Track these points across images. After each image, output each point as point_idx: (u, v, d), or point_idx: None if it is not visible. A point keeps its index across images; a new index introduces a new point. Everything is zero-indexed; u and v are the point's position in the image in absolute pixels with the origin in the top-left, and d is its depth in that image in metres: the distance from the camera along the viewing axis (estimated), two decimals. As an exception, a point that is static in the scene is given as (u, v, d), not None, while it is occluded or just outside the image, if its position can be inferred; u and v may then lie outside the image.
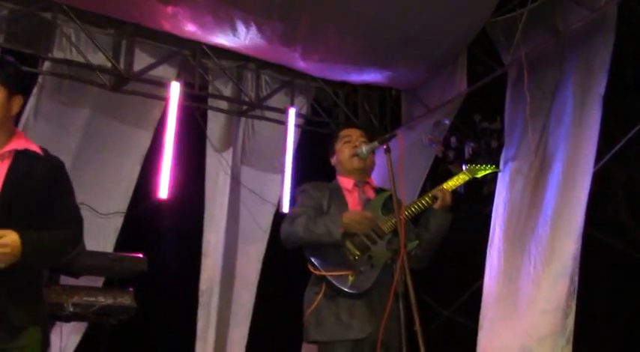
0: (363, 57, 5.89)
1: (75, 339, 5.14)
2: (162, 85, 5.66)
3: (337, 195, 3.52)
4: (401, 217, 2.98)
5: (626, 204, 7.21)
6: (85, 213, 3.24)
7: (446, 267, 4.62)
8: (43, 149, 2.73)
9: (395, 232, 3.19)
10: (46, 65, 5.24)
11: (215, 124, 6.19)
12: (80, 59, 5.30)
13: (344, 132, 3.72)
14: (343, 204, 3.46)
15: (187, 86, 5.82)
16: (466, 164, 3.73)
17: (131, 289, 4.42)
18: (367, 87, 6.81)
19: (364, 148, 3.40)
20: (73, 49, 5.31)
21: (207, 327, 5.82)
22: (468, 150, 6.50)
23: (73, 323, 4.68)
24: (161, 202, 5.53)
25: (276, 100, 6.42)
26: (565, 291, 4.54)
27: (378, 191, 3.58)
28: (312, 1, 5.12)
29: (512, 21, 5.44)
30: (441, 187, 3.46)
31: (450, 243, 3.56)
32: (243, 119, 6.38)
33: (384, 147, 3.09)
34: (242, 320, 6.16)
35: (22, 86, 2.69)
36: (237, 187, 6.23)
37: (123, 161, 5.71)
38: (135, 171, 5.75)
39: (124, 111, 5.71)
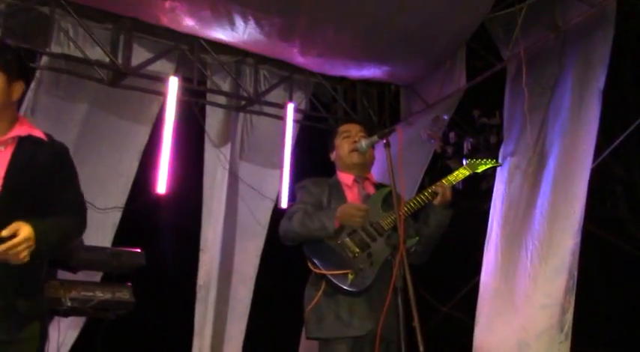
0: (362, 52, 5.88)
1: (73, 334, 5.14)
2: (161, 79, 5.64)
3: (337, 190, 3.52)
4: (400, 212, 2.98)
5: (625, 199, 7.23)
6: (83, 207, 3.22)
7: (444, 263, 4.61)
8: (47, 135, 2.71)
9: (395, 228, 3.17)
10: (44, 60, 5.22)
11: (213, 119, 6.18)
12: (78, 54, 5.28)
13: (343, 128, 3.71)
14: (343, 200, 3.45)
15: (185, 81, 5.81)
16: (466, 159, 3.73)
17: (129, 284, 4.41)
18: (366, 82, 6.80)
19: (363, 143, 3.40)
20: (71, 44, 5.29)
21: (204, 322, 5.81)
22: (466, 146, 6.51)
23: (71, 318, 4.68)
24: (159, 197, 5.51)
25: (275, 95, 6.40)
26: (564, 286, 4.53)
27: (378, 186, 3.58)
28: (311, -5, 5.12)
29: (511, 16, 5.43)
30: (440, 183, 3.45)
31: (449, 239, 3.55)
32: (241, 114, 6.36)
33: (384, 141, 3.08)
34: (239, 316, 6.15)
35: (22, 72, 2.66)
36: (235, 182, 6.22)
37: (121, 156, 5.69)
38: (133, 166, 5.74)
39: (122, 106, 5.69)
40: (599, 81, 4.77)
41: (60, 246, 2.73)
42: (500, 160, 5.44)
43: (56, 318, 4.39)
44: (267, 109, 6.39)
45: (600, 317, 6.77)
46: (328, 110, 6.83)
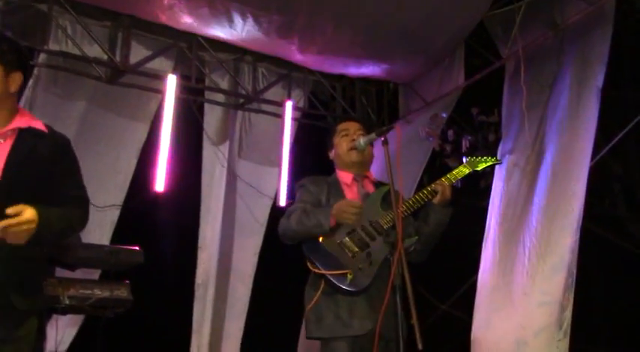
0: (361, 50, 5.87)
1: (71, 332, 5.14)
2: (159, 77, 5.63)
3: (336, 189, 3.51)
4: (398, 210, 2.97)
5: (623, 197, 7.23)
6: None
7: (443, 261, 4.60)
8: (47, 126, 2.68)
9: (394, 226, 3.14)
10: (42, 57, 5.20)
11: (212, 117, 6.18)
12: (76, 51, 5.27)
13: (342, 126, 3.70)
14: (341, 199, 3.43)
15: (184, 79, 5.80)
16: (466, 157, 3.71)
17: (127, 282, 4.41)
18: (364, 80, 6.79)
19: (362, 140, 3.39)
20: (69, 41, 5.27)
21: (202, 320, 5.81)
22: (465, 144, 6.50)
23: (69, 316, 4.67)
24: (157, 195, 5.51)
25: (273, 93, 6.39)
26: (563, 284, 4.53)
27: (378, 185, 3.56)
28: (310, -7, 5.11)
29: (510, 14, 5.43)
30: (440, 181, 3.43)
31: (447, 237, 3.54)
32: (240, 112, 6.35)
33: (382, 139, 3.07)
34: (238, 314, 6.15)
35: (19, 62, 2.62)
36: (233, 180, 6.21)
37: (119, 154, 5.69)
38: (131, 164, 5.73)
39: (120, 103, 5.68)
40: (598, 79, 4.77)
41: (63, 235, 2.70)
42: (499, 158, 5.43)
43: (54, 316, 4.39)
44: (265, 107, 6.38)
45: (599, 315, 6.78)
46: (327, 108, 6.83)
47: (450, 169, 3.61)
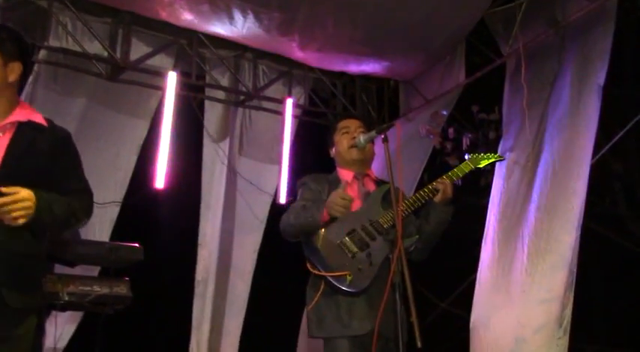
0: (362, 47, 5.86)
1: (70, 329, 5.14)
2: (159, 74, 5.63)
3: (336, 187, 3.49)
4: (398, 208, 2.96)
5: (624, 196, 7.23)
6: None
7: (443, 259, 4.60)
8: (48, 120, 2.62)
9: (394, 225, 3.11)
10: (42, 54, 5.20)
11: (212, 114, 6.17)
12: (76, 48, 5.27)
13: (342, 124, 3.68)
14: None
15: (184, 76, 5.79)
16: (468, 153, 3.68)
17: (127, 279, 4.41)
18: (365, 78, 6.78)
19: (362, 138, 3.37)
20: (69, 38, 5.27)
21: (202, 317, 5.81)
22: (465, 142, 6.50)
23: (68, 313, 4.68)
24: (157, 192, 5.51)
25: (274, 90, 6.39)
26: (564, 282, 4.51)
27: (379, 183, 3.54)
28: (310, -10, 5.10)
29: (510, 11, 5.42)
30: (442, 179, 3.40)
31: (447, 235, 3.53)
32: (240, 109, 6.35)
33: (382, 136, 3.06)
34: (237, 311, 6.15)
35: (19, 52, 2.55)
36: (233, 177, 6.21)
37: (119, 150, 5.68)
38: (131, 161, 5.73)
39: (121, 100, 5.68)
40: (599, 77, 4.75)
41: (67, 223, 2.60)
42: (499, 155, 5.42)
43: (53, 313, 4.37)
44: (265, 104, 6.38)
45: (599, 314, 6.78)
46: (327, 105, 6.82)
47: (450, 167, 3.58)
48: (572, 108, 4.91)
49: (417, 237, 3.36)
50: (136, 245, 4.55)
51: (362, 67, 6.34)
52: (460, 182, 3.61)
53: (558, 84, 5.14)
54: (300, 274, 3.39)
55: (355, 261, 3.18)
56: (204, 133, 6.11)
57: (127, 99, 5.71)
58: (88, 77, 5.44)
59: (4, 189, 2.28)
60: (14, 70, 2.53)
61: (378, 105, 7.03)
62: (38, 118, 2.58)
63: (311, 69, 6.46)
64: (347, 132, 3.58)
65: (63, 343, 5.07)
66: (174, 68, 5.73)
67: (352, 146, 3.48)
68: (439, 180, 3.40)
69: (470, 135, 6.50)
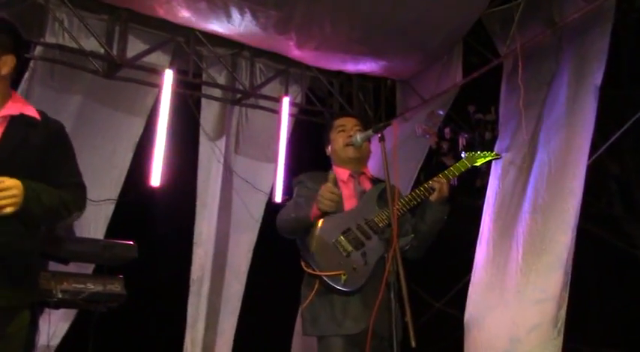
0: (359, 46, 5.86)
1: (64, 326, 5.12)
2: (156, 71, 5.62)
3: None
4: (394, 207, 2.94)
5: (620, 197, 7.23)
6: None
7: (438, 259, 4.59)
8: (40, 112, 2.58)
9: (390, 224, 3.08)
10: (38, 50, 5.18)
11: (209, 112, 6.16)
12: (73, 45, 5.24)
13: (338, 122, 3.66)
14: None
15: (181, 73, 5.78)
16: (465, 152, 3.67)
17: (121, 276, 4.39)
18: (362, 77, 6.78)
19: (358, 136, 3.36)
20: (66, 34, 5.25)
21: (197, 316, 5.80)
22: (461, 142, 6.50)
23: (61, 310, 4.65)
24: (153, 190, 5.50)
25: (271, 89, 6.38)
26: (560, 282, 4.50)
27: (375, 181, 3.53)
28: (308, -12, 5.09)
29: (508, 12, 5.42)
30: (438, 178, 3.39)
31: (442, 236, 3.52)
32: (236, 107, 6.34)
33: (379, 135, 3.05)
34: (232, 309, 6.14)
35: (11, 44, 2.50)
36: (229, 176, 6.20)
37: (115, 148, 5.66)
38: (127, 159, 5.71)
39: (117, 97, 5.66)
40: (596, 77, 4.75)
41: (58, 215, 2.55)
42: (496, 154, 5.42)
43: (47, 310, 4.36)
44: (262, 103, 6.37)
45: (593, 314, 6.78)
46: (324, 104, 6.80)
47: (446, 167, 3.57)
48: (568, 109, 4.91)
49: (413, 235, 3.35)
50: (131, 243, 4.54)
51: (359, 66, 6.34)
52: (456, 182, 3.60)
53: (555, 84, 5.14)
54: (295, 273, 3.38)
55: (350, 260, 3.17)
56: (201, 131, 6.10)
57: (124, 97, 5.70)
58: (85, 74, 5.42)
59: None
60: (7, 63, 2.49)
61: (375, 104, 7.02)
62: (31, 111, 2.55)
63: (308, 67, 6.45)
64: (343, 131, 3.56)
65: (56, 341, 5.05)
66: (170, 66, 5.71)
67: (348, 144, 3.46)
68: (435, 178, 3.39)
69: (466, 136, 6.50)
